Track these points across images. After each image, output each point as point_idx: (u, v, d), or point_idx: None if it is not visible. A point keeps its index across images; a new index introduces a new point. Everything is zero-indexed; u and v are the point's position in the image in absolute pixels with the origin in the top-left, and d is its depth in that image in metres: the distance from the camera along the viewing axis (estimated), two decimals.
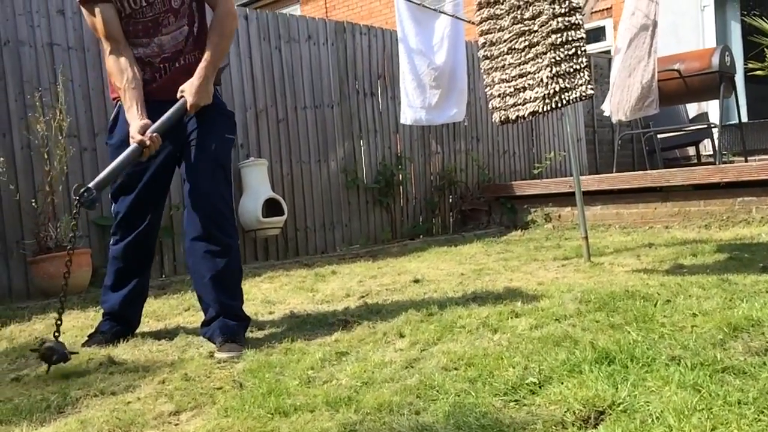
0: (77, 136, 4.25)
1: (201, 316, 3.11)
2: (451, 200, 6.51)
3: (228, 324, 2.47)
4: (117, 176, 2.42)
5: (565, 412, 1.52)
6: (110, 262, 2.73)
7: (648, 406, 1.49)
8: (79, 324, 3.09)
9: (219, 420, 1.72)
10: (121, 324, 2.71)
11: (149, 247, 2.75)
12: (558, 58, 2.90)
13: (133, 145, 2.36)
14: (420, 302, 2.96)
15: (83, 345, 2.61)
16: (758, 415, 1.39)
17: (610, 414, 1.49)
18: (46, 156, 4.03)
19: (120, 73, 2.46)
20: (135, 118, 2.40)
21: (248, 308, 3.18)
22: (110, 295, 2.71)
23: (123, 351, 2.51)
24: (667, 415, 1.42)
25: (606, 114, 5.67)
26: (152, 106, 2.49)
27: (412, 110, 4.97)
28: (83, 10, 2.54)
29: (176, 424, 1.75)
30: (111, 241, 2.73)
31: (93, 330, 2.73)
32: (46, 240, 3.90)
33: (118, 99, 2.58)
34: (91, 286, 3.98)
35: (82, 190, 2.26)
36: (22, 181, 4.07)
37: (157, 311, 3.25)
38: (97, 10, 2.45)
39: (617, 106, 5.52)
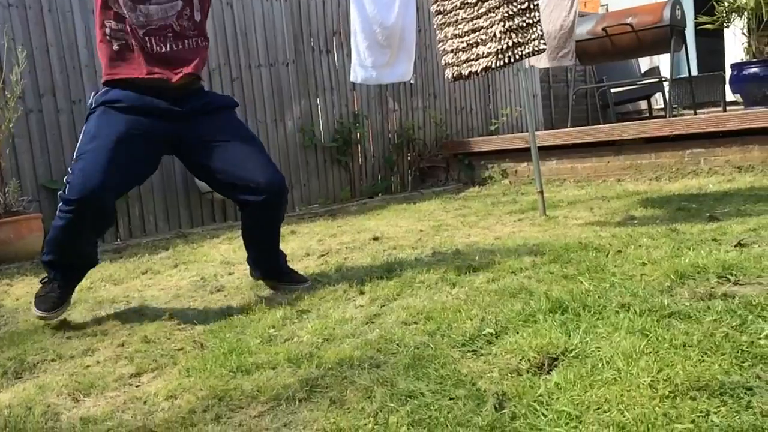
0: (22, 97, 4.11)
1: (158, 280, 3.10)
2: (409, 158, 6.52)
3: None
4: None
5: (521, 360, 1.57)
6: (59, 233, 2.27)
7: (599, 351, 1.55)
8: (33, 290, 3.02)
9: (180, 380, 1.72)
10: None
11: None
12: (511, 13, 2.89)
13: None
14: (380, 259, 2.99)
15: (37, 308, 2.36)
16: (702, 357, 1.46)
17: (563, 360, 1.54)
18: None
19: None
20: None
21: (207, 270, 3.17)
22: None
23: (79, 315, 2.49)
24: (617, 359, 1.48)
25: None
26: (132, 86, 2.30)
27: (363, 69, 4.92)
28: None
29: (137, 386, 1.75)
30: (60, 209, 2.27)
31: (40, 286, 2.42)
32: None
33: (110, 82, 2.33)
34: None
35: None
36: None
37: (113, 275, 3.21)
38: None
39: None
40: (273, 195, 2.46)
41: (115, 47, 2.29)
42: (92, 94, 2.37)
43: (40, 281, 2.45)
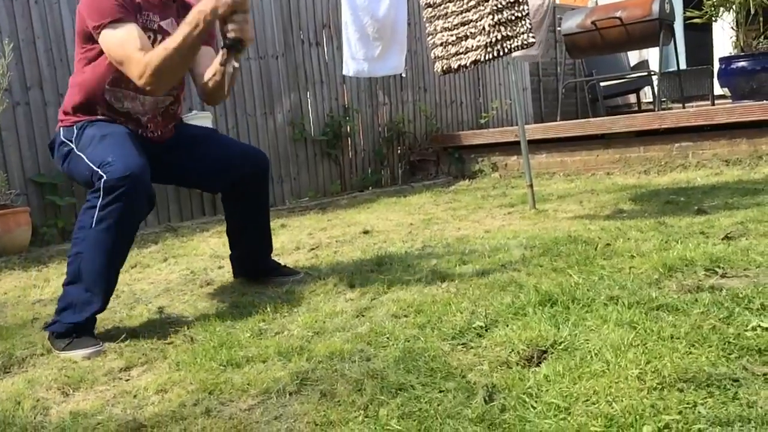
0: (8, 90, 4.07)
1: (148, 273, 3.09)
2: (399, 151, 6.51)
3: None
4: None
5: (510, 352, 1.58)
6: (104, 235, 2.01)
7: (587, 343, 1.56)
8: (21, 284, 3.02)
9: (170, 374, 1.72)
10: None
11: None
12: (500, 6, 2.89)
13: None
14: (370, 253, 2.99)
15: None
16: (689, 349, 1.47)
17: (552, 353, 1.55)
18: None
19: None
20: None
21: (197, 263, 3.16)
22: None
23: None
24: (605, 351, 1.49)
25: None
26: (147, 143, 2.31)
27: (354, 62, 4.92)
28: (105, 32, 2.06)
29: (127, 380, 1.74)
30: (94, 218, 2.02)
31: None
32: None
33: (77, 121, 2.23)
34: (32, 246, 3.88)
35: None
36: None
37: None
38: (129, 26, 2.07)
39: None
40: (257, 166, 2.52)
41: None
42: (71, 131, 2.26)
43: (55, 338, 2.05)
